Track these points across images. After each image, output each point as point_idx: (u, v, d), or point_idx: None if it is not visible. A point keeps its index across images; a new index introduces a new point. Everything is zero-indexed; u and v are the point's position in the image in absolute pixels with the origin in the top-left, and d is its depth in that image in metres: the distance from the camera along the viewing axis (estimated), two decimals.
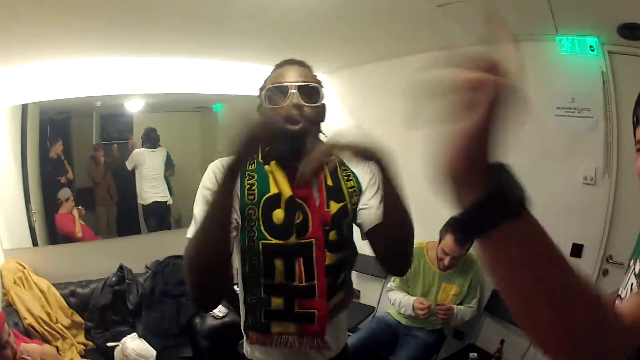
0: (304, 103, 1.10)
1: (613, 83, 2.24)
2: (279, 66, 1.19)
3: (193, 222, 1.07)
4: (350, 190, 1.18)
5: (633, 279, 1.24)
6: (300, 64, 1.19)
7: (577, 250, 2.37)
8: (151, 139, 3.24)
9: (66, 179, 2.93)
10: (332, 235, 1.13)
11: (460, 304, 2.51)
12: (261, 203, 1.10)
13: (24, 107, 2.74)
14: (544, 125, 2.42)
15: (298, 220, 1.09)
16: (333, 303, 1.16)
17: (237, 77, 3.22)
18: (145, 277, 2.89)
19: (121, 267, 2.84)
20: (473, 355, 2.45)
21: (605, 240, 2.32)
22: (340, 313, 1.22)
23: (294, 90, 1.10)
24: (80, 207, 2.98)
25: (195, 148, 3.59)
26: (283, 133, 1.07)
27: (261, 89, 1.19)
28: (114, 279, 2.75)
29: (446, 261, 2.36)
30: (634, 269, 1.23)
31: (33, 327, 2.39)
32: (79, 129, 3.11)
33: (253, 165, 1.15)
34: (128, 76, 2.87)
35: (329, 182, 1.17)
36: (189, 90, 3.11)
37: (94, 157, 3.11)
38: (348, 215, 1.17)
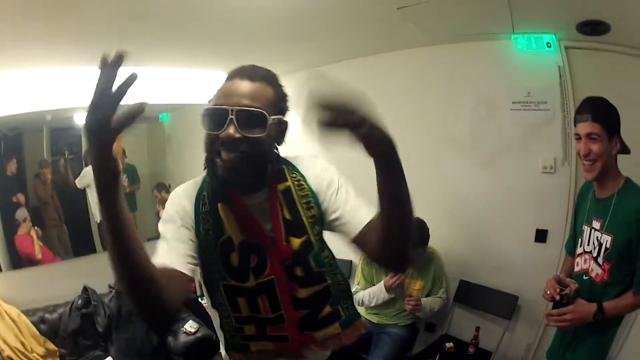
0: (242, 134, 0.92)
1: (570, 76, 2.36)
2: (229, 78, 1.00)
3: (162, 252, 0.99)
4: (310, 220, 1.06)
5: (596, 234, 1.49)
6: (253, 76, 0.97)
7: (541, 235, 2.49)
8: None
9: (17, 199, 2.79)
10: (299, 271, 1.05)
11: (426, 296, 2.57)
12: (217, 246, 1.03)
13: None
14: (501, 120, 2.54)
15: (253, 264, 1.03)
16: (327, 334, 1.11)
17: (183, 84, 3.13)
18: (110, 297, 2.79)
19: (85, 289, 2.73)
20: (449, 344, 2.53)
21: (569, 223, 2.43)
22: (338, 346, 1.15)
23: (232, 116, 0.92)
24: (36, 227, 2.83)
25: (143, 159, 3.53)
26: (214, 169, 0.96)
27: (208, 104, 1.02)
28: (79, 301, 2.66)
29: None
30: (590, 229, 1.52)
31: (11, 359, 2.33)
32: (31, 145, 2.99)
33: (206, 206, 1.04)
34: (76, 87, 2.71)
35: (287, 216, 1.04)
36: (135, 100, 2.97)
37: (38, 175, 2.97)
38: (313, 248, 1.06)
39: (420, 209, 3.10)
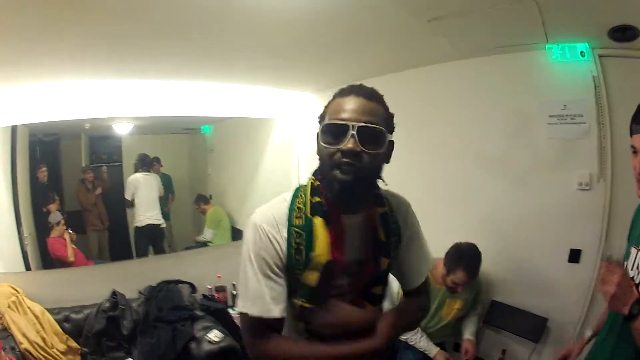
0: (362, 149, 0.97)
1: (605, 86, 2.24)
2: (342, 94, 1.04)
3: (245, 296, 1.04)
4: (394, 245, 1.15)
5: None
6: (368, 95, 1.03)
7: (574, 255, 2.36)
8: (146, 164, 3.27)
9: (47, 209, 2.88)
10: (378, 289, 1.13)
11: (463, 315, 2.52)
12: (306, 263, 1.05)
13: (13, 129, 2.72)
14: (536, 135, 2.44)
15: (339, 292, 1.08)
16: None
17: (225, 98, 3.22)
18: (139, 302, 2.86)
19: (114, 293, 2.81)
20: None
21: (603, 243, 2.31)
22: None
23: (353, 132, 0.97)
24: (71, 231, 2.94)
25: (184, 171, 3.60)
26: (332, 181, 1.00)
27: (320, 119, 1.08)
28: (107, 304, 2.73)
29: (459, 289, 2.35)
30: (638, 251, 1.29)
31: (29, 352, 2.39)
32: (67, 151, 3.09)
33: (300, 220, 1.05)
34: (116, 98, 2.86)
35: (381, 236, 1.10)
36: (176, 113, 3.10)
37: (83, 181, 3.07)
38: (390, 270, 1.16)
39: (451, 229, 3.07)
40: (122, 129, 3.19)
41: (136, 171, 3.24)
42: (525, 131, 2.48)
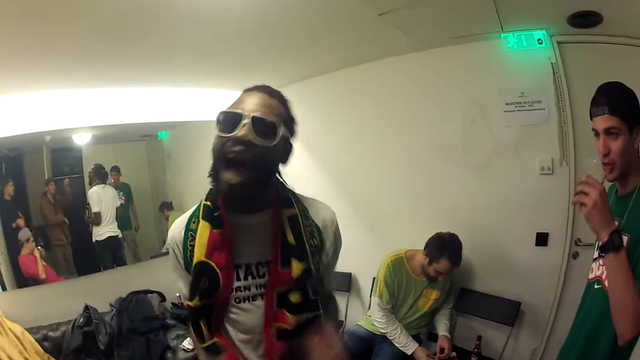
0: (255, 136, 0.95)
1: (564, 72, 2.28)
2: (248, 90, 1.06)
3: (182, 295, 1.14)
4: (312, 249, 1.07)
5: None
6: (271, 93, 1.04)
7: (542, 238, 2.41)
8: (101, 175, 3.21)
9: (17, 225, 2.81)
10: (295, 297, 1.03)
11: (437, 307, 2.56)
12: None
13: None
14: (494, 123, 2.47)
15: (204, 287, 1.03)
16: None
17: (180, 102, 3.18)
18: (111, 315, 2.82)
19: (87, 308, 2.76)
20: (452, 354, 2.47)
21: (571, 225, 2.36)
22: None
23: (246, 121, 0.95)
24: (40, 247, 2.88)
25: (144, 178, 3.55)
26: (222, 179, 0.96)
27: None
28: (81, 320, 2.68)
29: (440, 278, 2.38)
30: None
31: None
32: (31, 165, 3.01)
33: (195, 224, 1.07)
34: (74, 108, 2.78)
35: (290, 239, 1.05)
36: (133, 120, 3.03)
37: (45, 194, 2.99)
38: (311, 276, 1.06)
39: (416, 217, 3.09)
40: (81, 140, 3.12)
41: (91, 183, 3.18)
42: (485, 119, 2.50)
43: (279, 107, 1.04)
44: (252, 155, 0.95)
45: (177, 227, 1.10)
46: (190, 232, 1.07)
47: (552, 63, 2.27)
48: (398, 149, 2.84)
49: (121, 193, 3.31)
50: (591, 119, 1.29)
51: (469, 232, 2.49)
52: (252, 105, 0.99)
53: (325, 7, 1.88)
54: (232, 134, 0.95)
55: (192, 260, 1.04)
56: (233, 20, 1.89)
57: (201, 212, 1.07)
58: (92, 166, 3.17)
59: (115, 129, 3.07)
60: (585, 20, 2.04)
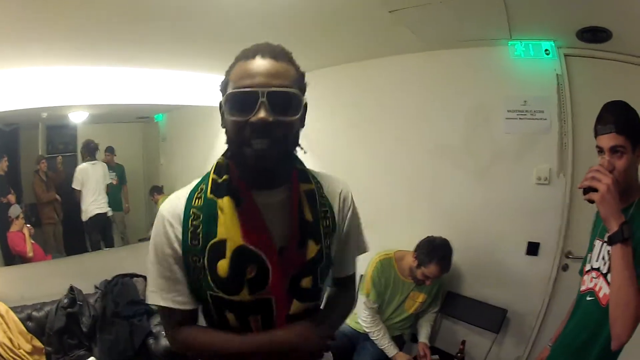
0: (276, 117, 0.82)
1: (569, 85, 2.28)
2: (246, 56, 0.87)
3: (152, 288, 0.94)
4: (325, 230, 0.98)
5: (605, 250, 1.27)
6: (276, 55, 0.87)
7: (533, 248, 2.42)
8: (90, 150, 3.14)
9: (7, 200, 2.77)
10: (306, 282, 0.94)
11: (424, 310, 2.56)
12: (206, 250, 0.89)
13: None
14: (496, 129, 2.47)
15: (250, 276, 0.89)
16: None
17: (178, 86, 3.13)
18: (96, 297, 2.79)
19: (72, 289, 2.73)
20: (435, 357, 2.47)
21: (562, 237, 2.37)
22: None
23: (263, 99, 0.81)
24: (29, 225, 2.84)
25: (138, 160, 3.52)
26: (245, 156, 0.86)
27: (223, 86, 0.91)
28: (65, 301, 2.65)
29: (428, 282, 2.36)
30: (602, 243, 1.30)
31: None
32: (26, 141, 2.98)
33: (200, 200, 0.92)
34: (72, 86, 2.73)
35: (308, 217, 0.94)
36: (131, 101, 2.99)
37: (37, 172, 2.96)
38: (323, 260, 0.97)
39: (412, 218, 3.07)
40: (77, 118, 3.08)
41: (83, 159, 3.14)
42: (487, 124, 2.50)
43: (290, 68, 0.88)
44: (276, 135, 0.84)
45: (172, 205, 0.94)
46: (192, 209, 0.92)
47: (557, 74, 2.28)
48: (398, 147, 2.83)
49: (114, 174, 3.28)
50: (595, 136, 1.31)
51: (461, 235, 2.49)
52: (263, 78, 0.83)
53: (336, 1, 1.87)
54: (248, 117, 0.82)
55: (194, 245, 0.90)
56: (241, 10, 1.88)
57: (209, 187, 0.93)
58: (82, 143, 3.12)
59: (112, 108, 3.05)
60: (594, 35, 2.05)
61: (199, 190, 0.94)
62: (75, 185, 3.11)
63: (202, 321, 1.03)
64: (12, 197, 2.81)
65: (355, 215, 1.08)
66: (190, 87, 3.19)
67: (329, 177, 1.07)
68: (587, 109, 2.13)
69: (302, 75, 0.92)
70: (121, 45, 2.31)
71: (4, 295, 2.61)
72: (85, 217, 3.16)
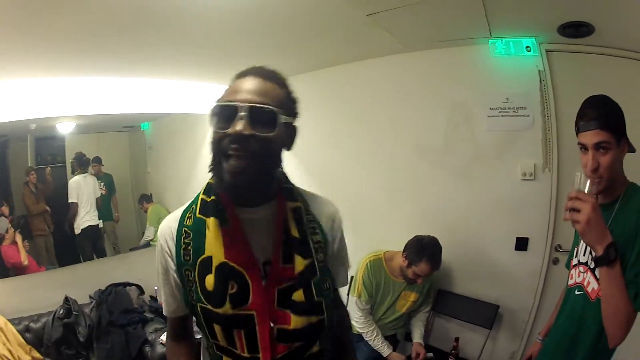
0: (252, 132, 0.87)
1: (551, 80, 2.29)
2: (240, 76, 0.96)
3: (164, 303, 1.10)
4: (315, 245, 1.02)
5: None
6: (265, 75, 0.95)
7: (522, 243, 2.44)
8: (82, 163, 3.20)
9: (1, 212, 2.79)
10: (298, 295, 0.96)
11: (415, 309, 2.58)
12: (197, 265, 0.96)
13: None
14: (479, 127, 2.48)
15: (232, 291, 0.93)
16: None
17: (163, 94, 3.16)
18: (91, 307, 2.82)
19: (67, 299, 2.75)
20: (429, 354, 2.49)
21: (551, 231, 2.39)
22: None
23: (243, 113, 0.87)
24: (22, 235, 2.84)
25: (125, 169, 3.54)
26: (221, 172, 0.90)
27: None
28: (61, 311, 2.67)
29: (420, 281, 2.37)
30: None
31: None
32: (15, 153, 2.98)
33: (190, 219, 0.99)
34: (59, 97, 2.75)
35: (295, 234, 0.99)
36: (117, 110, 3.01)
37: (27, 183, 2.96)
38: (316, 274, 1.00)
39: (396, 219, 3.09)
40: (65, 129, 3.10)
41: (73, 172, 3.16)
42: (468, 123, 2.51)
43: (276, 89, 0.95)
44: (252, 149, 0.88)
45: (167, 224, 1.03)
46: (184, 228, 0.99)
47: (539, 70, 2.29)
48: (381, 149, 2.85)
49: (102, 184, 3.30)
50: (577, 133, 1.28)
51: (450, 234, 2.50)
52: (247, 94, 0.90)
53: (313, 5, 1.87)
54: (229, 129, 0.88)
55: (186, 260, 0.97)
56: (221, 16, 1.88)
57: (198, 207, 1.00)
58: (74, 155, 3.15)
59: (99, 118, 3.06)
60: (576, 30, 2.06)
61: (190, 210, 1.02)
62: (72, 198, 3.14)
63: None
64: (5, 209, 2.82)
65: (343, 237, 1.14)
66: (175, 95, 3.21)
67: (319, 198, 1.12)
68: (570, 104, 2.12)
69: (292, 100, 1.00)
70: (106, 55, 2.31)
71: (0, 307, 2.62)
72: (77, 229, 3.18)
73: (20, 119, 2.73)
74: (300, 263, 0.98)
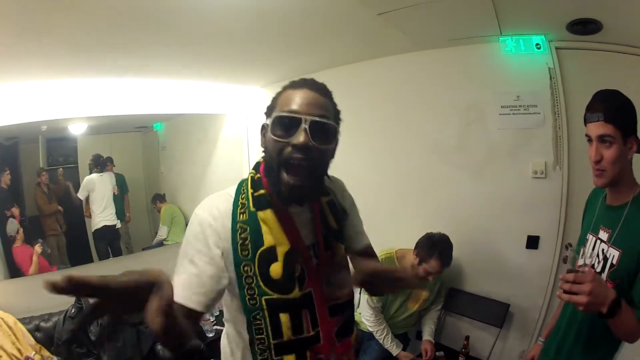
0: (314, 143, 0.95)
1: (561, 78, 2.29)
2: (294, 87, 1.02)
3: (176, 282, 0.97)
4: (342, 221, 1.18)
5: (602, 246, 1.27)
6: (320, 90, 1.02)
7: (532, 242, 2.44)
8: (100, 164, 3.22)
9: (12, 213, 2.81)
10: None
11: (427, 307, 2.57)
12: (256, 258, 1.01)
13: None
14: (489, 125, 2.48)
15: (298, 274, 1.03)
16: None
17: (176, 95, 3.18)
18: None
19: (78, 299, 2.74)
20: (440, 353, 2.49)
21: (562, 229, 2.38)
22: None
23: (305, 126, 0.95)
24: (40, 241, 2.89)
25: (138, 170, 3.56)
26: (281, 183, 0.98)
27: (269, 110, 1.04)
28: (72, 310, 2.67)
29: (431, 278, 2.36)
30: (596, 239, 1.30)
31: None
32: (26, 154, 3.00)
33: (244, 215, 1.03)
34: (71, 98, 2.77)
35: (333, 224, 1.12)
36: (129, 111, 3.03)
37: (39, 184, 2.98)
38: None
39: (408, 217, 3.08)
40: (77, 130, 3.12)
41: (91, 172, 3.19)
42: (481, 122, 2.51)
43: (329, 103, 1.04)
44: (313, 160, 0.96)
45: (216, 220, 1.02)
46: (239, 224, 1.02)
47: (549, 68, 2.29)
48: (393, 148, 2.85)
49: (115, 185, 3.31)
50: (585, 125, 1.28)
51: (461, 232, 2.50)
52: (308, 107, 0.97)
53: (325, 4, 1.89)
54: (291, 139, 0.95)
55: (244, 256, 1.00)
56: (232, 16, 1.89)
57: (251, 202, 1.04)
58: (91, 157, 3.18)
59: (111, 119, 3.07)
60: (584, 27, 2.05)
61: (240, 206, 1.05)
62: (80, 194, 3.15)
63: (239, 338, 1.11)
64: (15, 210, 2.84)
65: (352, 200, 1.28)
66: (188, 96, 3.24)
67: (333, 182, 1.23)
68: (581, 101, 2.09)
69: (338, 112, 1.08)
70: (118, 56, 2.33)
71: (11, 306, 2.63)
72: (93, 228, 3.21)
73: (32, 121, 2.76)
74: (340, 249, 1.13)
